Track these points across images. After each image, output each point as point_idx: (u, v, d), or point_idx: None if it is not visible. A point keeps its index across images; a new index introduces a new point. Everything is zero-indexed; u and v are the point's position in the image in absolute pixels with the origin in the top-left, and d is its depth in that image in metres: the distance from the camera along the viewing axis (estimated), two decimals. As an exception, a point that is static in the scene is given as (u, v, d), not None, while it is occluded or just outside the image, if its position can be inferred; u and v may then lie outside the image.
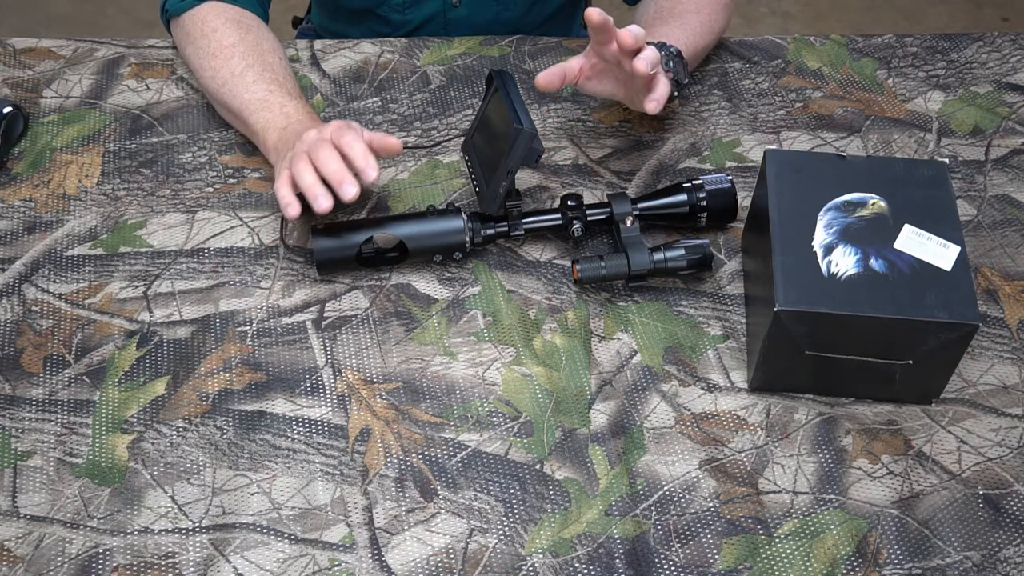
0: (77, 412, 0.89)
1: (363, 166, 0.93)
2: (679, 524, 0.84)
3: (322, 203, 0.92)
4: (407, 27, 1.31)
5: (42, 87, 1.17)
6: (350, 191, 0.92)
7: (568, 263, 1.02)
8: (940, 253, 0.88)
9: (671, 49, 1.06)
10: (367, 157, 0.93)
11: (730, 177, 1.03)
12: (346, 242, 0.97)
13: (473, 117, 1.12)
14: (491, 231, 1.00)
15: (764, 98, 1.20)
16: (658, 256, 0.97)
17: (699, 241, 0.98)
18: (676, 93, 1.07)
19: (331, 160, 0.93)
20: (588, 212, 1.00)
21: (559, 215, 1.01)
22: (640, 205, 1.01)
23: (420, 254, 0.99)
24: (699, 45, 1.14)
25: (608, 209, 1.00)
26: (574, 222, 1.00)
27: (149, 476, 0.85)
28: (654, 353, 0.95)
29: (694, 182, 1.02)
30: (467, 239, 0.99)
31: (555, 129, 1.15)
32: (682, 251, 0.97)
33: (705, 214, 1.02)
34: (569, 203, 1.00)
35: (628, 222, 0.99)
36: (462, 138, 1.10)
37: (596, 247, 1.04)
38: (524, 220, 1.01)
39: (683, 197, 1.02)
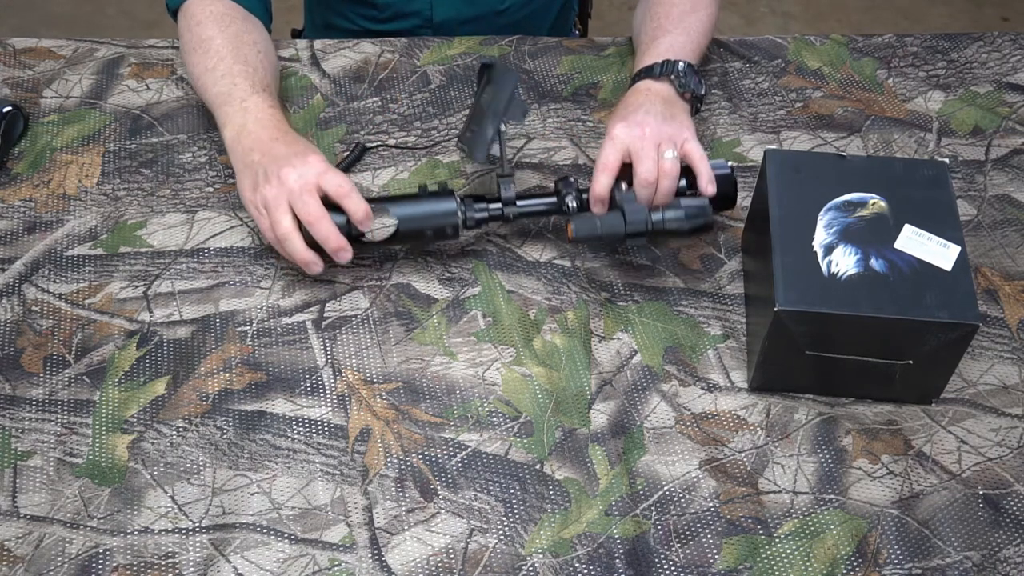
0: (77, 412, 0.89)
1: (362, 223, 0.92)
2: (679, 524, 0.84)
3: (345, 257, 0.93)
4: (391, 8, 1.28)
5: (42, 87, 1.17)
6: (346, 257, 0.93)
7: (568, 263, 1.02)
8: (940, 253, 0.88)
9: (679, 67, 1.05)
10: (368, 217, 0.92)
11: (731, 163, 1.02)
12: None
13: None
14: (484, 214, 0.98)
15: (764, 98, 1.20)
16: (656, 216, 0.95)
17: (700, 202, 0.96)
18: (698, 108, 1.08)
19: (329, 230, 0.92)
20: (582, 190, 0.99)
21: (553, 197, 1.00)
22: None
23: (411, 237, 0.98)
24: (702, 44, 1.14)
25: None
26: (567, 197, 0.98)
27: (149, 476, 0.85)
28: (654, 353, 0.95)
29: None
30: (459, 220, 0.97)
31: (555, 129, 1.15)
32: (682, 212, 0.95)
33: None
34: (561, 185, 0.99)
35: (624, 187, 0.97)
36: (462, 138, 1.10)
37: None
38: (518, 201, 0.99)
39: (682, 182, 1.00)
